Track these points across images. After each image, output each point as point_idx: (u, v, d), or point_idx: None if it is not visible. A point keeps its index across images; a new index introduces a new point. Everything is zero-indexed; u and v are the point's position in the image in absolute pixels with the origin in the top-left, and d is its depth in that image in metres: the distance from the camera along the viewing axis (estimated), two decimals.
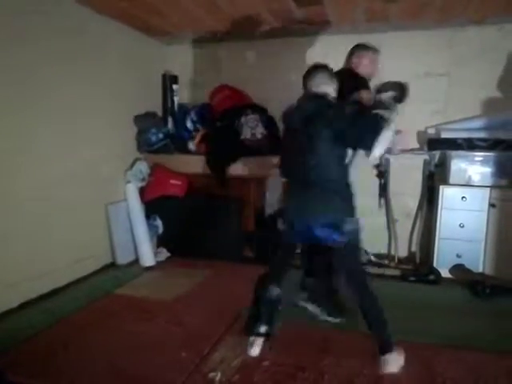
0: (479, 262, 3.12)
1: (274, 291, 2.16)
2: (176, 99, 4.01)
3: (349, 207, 2.00)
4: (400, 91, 2.01)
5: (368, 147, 1.86)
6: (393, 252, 3.55)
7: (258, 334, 2.15)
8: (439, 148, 3.35)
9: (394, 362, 1.98)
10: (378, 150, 1.83)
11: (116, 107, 3.48)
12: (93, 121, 3.20)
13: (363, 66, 2.53)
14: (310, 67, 2.13)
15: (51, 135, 2.84)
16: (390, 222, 3.56)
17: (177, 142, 3.84)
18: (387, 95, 1.99)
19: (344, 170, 2.04)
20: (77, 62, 3.01)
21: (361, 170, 3.56)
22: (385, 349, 1.98)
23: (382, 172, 3.45)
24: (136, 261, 3.54)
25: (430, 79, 3.43)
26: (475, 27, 3.30)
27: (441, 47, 3.40)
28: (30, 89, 2.67)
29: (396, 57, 3.43)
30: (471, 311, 2.66)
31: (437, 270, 3.16)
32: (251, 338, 2.16)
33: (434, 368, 2.03)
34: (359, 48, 2.59)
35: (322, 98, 2.03)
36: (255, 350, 2.12)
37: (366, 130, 1.88)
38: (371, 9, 2.99)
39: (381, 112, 1.89)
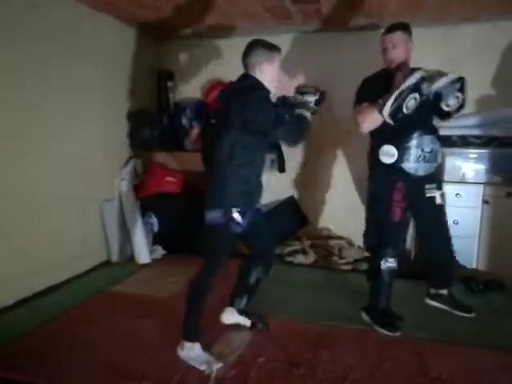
0: (473, 258, 3.14)
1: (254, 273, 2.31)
2: (171, 96, 4.00)
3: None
4: (319, 96, 2.07)
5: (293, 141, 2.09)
6: None
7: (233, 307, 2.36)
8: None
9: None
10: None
11: (110, 104, 3.46)
12: (86, 117, 3.18)
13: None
14: (248, 43, 2.03)
15: (42, 132, 2.81)
16: None
17: (172, 140, 3.83)
18: (311, 98, 2.06)
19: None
20: (69, 58, 2.98)
21: (357, 168, 3.63)
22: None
23: None
24: (131, 258, 3.53)
25: None
26: (470, 25, 3.32)
27: (436, 45, 3.41)
28: (21, 85, 2.64)
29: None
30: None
31: None
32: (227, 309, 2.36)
33: (428, 362, 2.05)
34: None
35: (246, 78, 2.01)
36: (227, 319, 2.34)
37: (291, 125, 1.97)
38: (367, 5, 2.99)
39: (302, 111, 2.04)
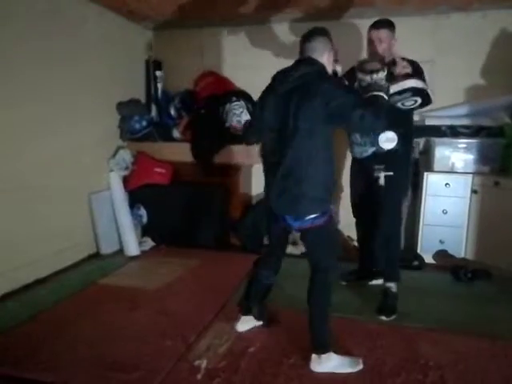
0: (461, 247, 3.17)
1: (266, 275, 2.19)
2: (160, 86, 3.94)
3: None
4: (387, 70, 1.93)
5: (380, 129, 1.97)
6: None
7: (248, 313, 2.24)
8: (424, 135, 3.38)
9: None
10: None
11: (97, 94, 3.38)
12: (72, 107, 3.11)
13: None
14: (307, 31, 1.94)
15: (27, 122, 2.74)
16: None
17: (161, 130, 3.78)
18: (379, 76, 1.85)
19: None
20: (55, 47, 2.91)
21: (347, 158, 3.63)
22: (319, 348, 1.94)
23: None
24: (120, 250, 3.50)
25: None
26: (459, 14, 3.31)
27: (425, 34, 3.40)
28: (4, 74, 2.56)
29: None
30: (453, 295, 2.72)
31: (421, 256, 3.21)
32: (242, 317, 2.24)
33: (417, 350, 2.07)
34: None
35: (314, 64, 1.84)
36: (243, 327, 2.22)
37: (374, 112, 1.76)
38: None
39: (377, 93, 1.82)
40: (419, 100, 2.20)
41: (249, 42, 3.76)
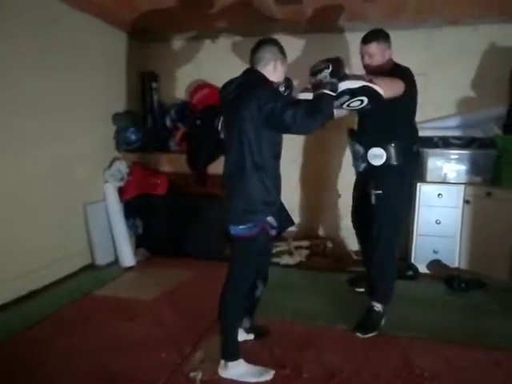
0: (455, 257, 3.20)
1: (260, 287, 2.16)
2: (155, 97, 3.97)
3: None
4: (335, 65, 1.84)
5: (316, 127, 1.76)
6: None
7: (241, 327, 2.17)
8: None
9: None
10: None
11: (93, 105, 3.41)
12: (68, 118, 3.12)
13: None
14: (264, 38, 1.98)
15: (22, 132, 2.75)
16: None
17: (156, 141, 3.81)
18: (322, 75, 1.82)
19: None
20: (51, 59, 2.94)
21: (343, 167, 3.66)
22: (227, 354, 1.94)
23: None
24: (116, 261, 3.49)
25: None
26: (451, 28, 3.38)
27: (418, 47, 3.46)
28: (2, 86, 2.58)
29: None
30: (447, 305, 2.73)
31: (415, 266, 3.23)
32: None
33: (411, 360, 2.08)
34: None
35: (254, 73, 1.90)
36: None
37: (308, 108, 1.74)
38: (350, 8, 3.03)
39: (319, 92, 1.79)
40: (365, 99, 1.96)
41: (246, 54, 3.80)
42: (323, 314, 2.57)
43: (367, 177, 2.40)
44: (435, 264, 3.23)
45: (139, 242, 3.72)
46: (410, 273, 3.18)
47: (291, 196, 3.87)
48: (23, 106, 2.74)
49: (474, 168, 3.21)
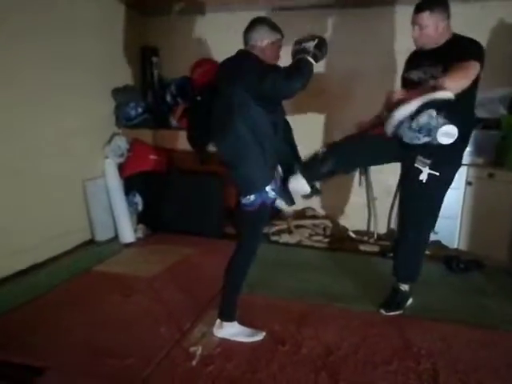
0: (455, 238, 3.20)
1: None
2: (156, 72, 3.89)
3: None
4: (320, 41, 1.84)
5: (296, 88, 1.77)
6: (372, 229, 3.60)
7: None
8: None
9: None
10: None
11: (92, 80, 3.34)
12: (65, 92, 3.06)
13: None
14: (252, 19, 2.00)
15: (20, 106, 2.70)
16: (370, 199, 3.59)
17: (156, 117, 3.75)
18: (308, 44, 1.83)
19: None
20: (48, 32, 2.86)
21: None
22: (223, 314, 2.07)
23: None
24: (115, 238, 3.49)
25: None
26: (460, 4, 3.27)
27: None
28: None
29: (379, 32, 3.41)
30: (446, 286, 2.75)
31: None
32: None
33: (409, 338, 2.10)
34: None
35: (243, 51, 1.97)
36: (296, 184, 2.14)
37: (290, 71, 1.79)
38: None
39: (300, 56, 1.83)
40: (433, 113, 1.84)
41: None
42: (322, 292, 2.59)
43: (420, 151, 2.11)
44: (435, 245, 3.23)
45: (139, 219, 3.72)
46: None
47: None
48: (20, 81, 2.68)
49: (477, 149, 3.16)
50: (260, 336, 2.07)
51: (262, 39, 1.94)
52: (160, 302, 2.44)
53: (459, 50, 2.00)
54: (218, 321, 2.06)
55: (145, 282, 2.70)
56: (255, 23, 1.97)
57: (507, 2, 3.19)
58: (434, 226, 2.48)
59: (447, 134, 1.90)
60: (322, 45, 1.85)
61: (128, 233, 3.45)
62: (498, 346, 2.06)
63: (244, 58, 1.93)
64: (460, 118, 1.90)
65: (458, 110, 1.88)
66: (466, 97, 1.96)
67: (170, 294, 2.54)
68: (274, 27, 1.98)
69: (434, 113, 1.87)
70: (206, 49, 3.84)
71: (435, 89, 1.83)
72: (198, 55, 3.77)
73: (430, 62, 2.11)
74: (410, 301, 2.42)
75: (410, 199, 2.29)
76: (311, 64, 1.81)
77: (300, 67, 1.80)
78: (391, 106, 1.96)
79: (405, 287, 2.40)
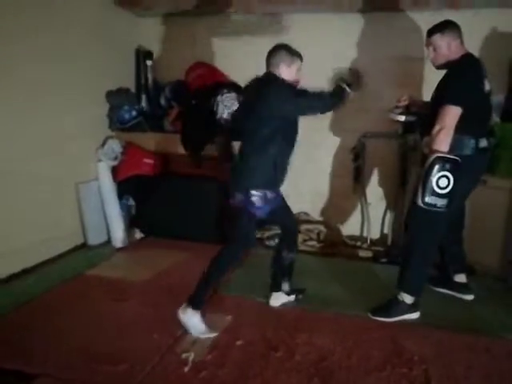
0: None
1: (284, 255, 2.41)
2: (150, 75, 3.88)
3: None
4: (353, 77, 2.15)
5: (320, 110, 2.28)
6: (365, 234, 3.62)
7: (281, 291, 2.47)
8: (413, 131, 3.39)
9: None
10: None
11: (86, 82, 3.31)
12: (60, 95, 3.04)
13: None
14: (274, 45, 2.23)
15: (14, 110, 2.69)
16: (364, 204, 3.61)
17: (151, 120, 3.74)
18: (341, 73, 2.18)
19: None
20: (42, 33, 2.85)
21: (337, 153, 3.64)
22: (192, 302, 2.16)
23: (357, 155, 3.48)
24: (108, 241, 3.46)
25: (406, 62, 3.44)
26: (451, 11, 3.30)
27: (421, 29, 3.39)
28: None
29: (373, 38, 3.43)
30: (438, 291, 2.75)
31: None
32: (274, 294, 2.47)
33: (402, 344, 2.11)
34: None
35: (267, 74, 2.19)
36: (276, 302, 2.45)
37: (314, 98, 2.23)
38: None
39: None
40: (448, 172, 2.03)
41: (244, 33, 3.71)
42: (315, 297, 2.59)
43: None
44: None
45: (132, 223, 3.70)
46: None
47: (287, 181, 3.86)
48: (13, 82, 2.66)
49: None
50: (210, 335, 2.11)
51: (280, 63, 2.16)
52: (153, 307, 2.42)
53: (447, 88, 2.17)
54: (185, 304, 2.13)
55: (138, 287, 2.68)
56: (274, 49, 2.20)
57: (498, 10, 3.22)
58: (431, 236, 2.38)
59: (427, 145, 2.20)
60: (355, 79, 2.29)
61: (121, 237, 3.43)
62: (490, 351, 2.07)
63: (273, 80, 2.14)
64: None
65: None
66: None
67: (162, 299, 2.53)
68: (292, 52, 2.20)
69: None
70: (201, 52, 3.84)
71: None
72: (193, 59, 3.78)
73: (439, 87, 2.31)
74: (415, 316, 2.35)
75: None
76: (343, 89, 2.26)
77: (334, 93, 2.28)
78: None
79: (402, 296, 2.34)
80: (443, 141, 2.06)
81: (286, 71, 2.17)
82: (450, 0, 3.15)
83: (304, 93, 2.19)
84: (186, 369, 1.86)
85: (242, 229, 2.23)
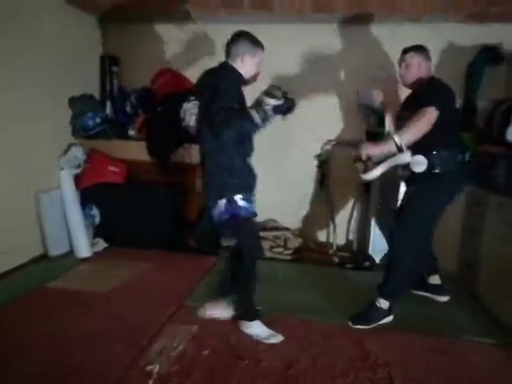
0: None
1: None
2: (116, 82, 3.82)
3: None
4: (283, 102, 1.98)
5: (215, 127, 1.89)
6: (332, 240, 3.67)
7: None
8: (376, 139, 3.49)
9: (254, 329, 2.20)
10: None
11: (47, 88, 3.22)
12: (19, 101, 2.94)
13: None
14: (235, 32, 2.09)
15: None
16: (330, 211, 3.67)
17: (116, 127, 3.67)
18: (271, 102, 1.95)
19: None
20: (2, 38, 2.75)
21: (304, 161, 3.68)
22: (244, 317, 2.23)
23: (323, 162, 3.54)
24: (71, 252, 3.35)
25: (374, 72, 3.53)
26: (412, 25, 3.45)
27: (385, 42, 3.51)
28: None
29: (345, 49, 3.53)
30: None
31: (371, 257, 3.32)
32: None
33: (367, 348, 2.15)
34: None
35: (220, 66, 2.07)
36: (210, 313, 2.37)
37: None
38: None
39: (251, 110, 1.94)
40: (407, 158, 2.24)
41: (211, 40, 3.72)
42: (282, 305, 2.60)
43: (409, 183, 2.50)
44: (385, 255, 3.32)
45: (96, 232, 3.60)
46: (367, 264, 3.28)
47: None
48: None
49: None
50: (279, 339, 2.16)
51: (243, 53, 2.03)
52: (117, 318, 2.35)
53: (420, 98, 2.23)
54: (243, 322, 2.22)
55: (101, 298, 2.60)
56: (236, 37, 2.06)
57: (455, 25, 3.38)
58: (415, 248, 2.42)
59: (417, 163, 2.26)
60: (287, 108, 2.00)
61: (84, 247, 3.33)
62: (449, 352, 2.15)
63: (221, 73, 2.01)
64: (436, 148, 2.23)
65: (432, 141, 2.16)
66: (438, 127, 2.14)
67: (127, 309, 2.47)
68: (255, 41, 2.08)
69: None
70: (168, 59, 3.81)
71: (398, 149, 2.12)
72: (160, 65, 3.75)
73: (408, 105, 2.42)
74: (389, 319, 2.39)
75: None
76: (253, 121, 1.91)
77: (237, 119, 1.90)
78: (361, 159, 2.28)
79: (380, 302, 2.37)
80: (415, 135, 2.12)
81: (249, 62, 2.05)
82: (413, 15, 3.26)
83: (242, 107, 1.99)
84: (151, 382, 1.81)
85: (249, 233, 2.15)
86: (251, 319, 2.20)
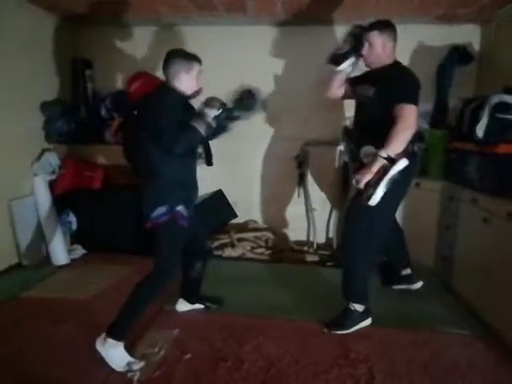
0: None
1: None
2: (89, 86, 3.75)
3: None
4: (221, 112, 2.06)
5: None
6: (311, 239, 3.70)
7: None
8: (353, 139, 3.54)
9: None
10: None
11: (17, 92, 3.14)
12: None
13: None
14: (167, 53, 2.09)
15: None
16: (309, 210, 3.70)
17: (91, 132, 3.60)
18: (211, 112, 2.03)
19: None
20: None
21: (281, 161, 3.70)
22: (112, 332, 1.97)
23: (301, 163, 3.57)
24: (47, 260, 3.27)
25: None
26: None
27: None
28: None
29: (315, 52, 3.56)
30: (377, 291, 2.84)
31: None
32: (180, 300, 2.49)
33: (348, 345, 2.17)
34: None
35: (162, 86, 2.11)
36: (181, 308, 2.49)
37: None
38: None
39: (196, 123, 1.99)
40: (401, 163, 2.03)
41: (186, 42, 3.70)
42: (263, 305, 2.61)
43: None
44: None
45: (74, 239, 3.52)
46: None
47: (234, 189, 3.87)
48: None
49: None
50: (133, 368, 1.90)
51: (179, 72, 2.03)
52: (95, 326, 2.28)
53: (393, 90, 2.12)
54: (103, 335, 1.95)
55: (79, 306, 2.55)
56: (169, 57, 2.05)
57: (425, 26, 3.48)
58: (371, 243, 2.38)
59: (366, 154, 2.16)
60: (229, 117, 2.11)
61: (61, 254, 3.25)
62: (427, 345, 2.20)
63: (161, 100, 1.99)
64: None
65: (385, 131, 2.06)
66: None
67: (106, 316, 2.37)
68: (188, 57, 2.06)
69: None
70: (143, 62, 3.77)
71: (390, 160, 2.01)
72: (134, 68, 3.70)
73: (369, 82, 2.27)
74: (368, 322, 2.36)
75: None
76: (197, 134, 1.97)
77: (186, 135, 1.95)
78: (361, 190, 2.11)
79: (354, 306, 2.33)
80: (405, 141, 2.04)
81: (185, 78, 2.04)
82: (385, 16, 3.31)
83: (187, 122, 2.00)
84: None
85: (171, 245, 2.13)
86: (119, 339, 1.95)
